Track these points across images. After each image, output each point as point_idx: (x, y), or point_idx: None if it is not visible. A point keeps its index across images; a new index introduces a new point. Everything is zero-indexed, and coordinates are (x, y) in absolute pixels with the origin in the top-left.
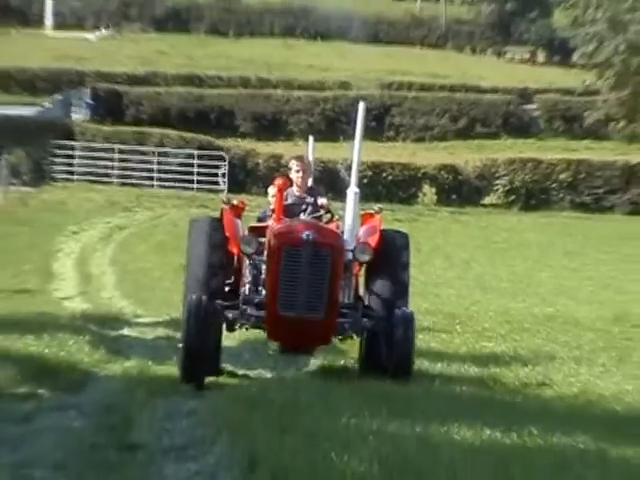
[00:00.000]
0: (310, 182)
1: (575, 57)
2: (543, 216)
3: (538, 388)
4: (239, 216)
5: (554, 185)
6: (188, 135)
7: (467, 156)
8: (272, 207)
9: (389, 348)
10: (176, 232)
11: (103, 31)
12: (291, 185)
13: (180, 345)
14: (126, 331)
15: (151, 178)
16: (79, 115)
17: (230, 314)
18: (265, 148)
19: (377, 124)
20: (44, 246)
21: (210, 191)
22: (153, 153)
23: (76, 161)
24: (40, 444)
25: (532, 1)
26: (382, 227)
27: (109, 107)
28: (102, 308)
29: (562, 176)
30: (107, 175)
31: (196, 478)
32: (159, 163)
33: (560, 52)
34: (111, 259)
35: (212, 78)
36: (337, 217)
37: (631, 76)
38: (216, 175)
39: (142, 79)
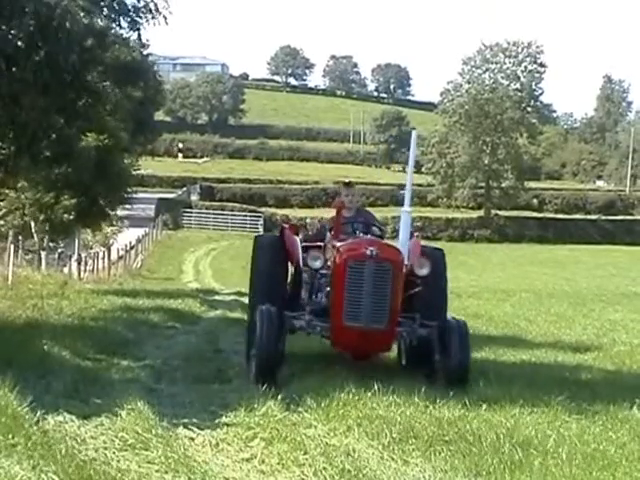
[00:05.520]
0: (358, 205)
1: (423, 169)
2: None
3: None
4: (296, 234)
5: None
6: (244, 206)
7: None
8: (325, 226)
9: (444, 355)
10: (239, 251)
11: (205, 159)
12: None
13: (254, 352)
14: (216, 297)
15: (227, 226)
16: (194, 197)
17: (297, 323)
18: (280, 211)
19: (332, 199)
20: (178, 257)
21: (254, 232)
22: (228, 214)
23: (193, 218)
24: (176, 348)
25: (403, 142)
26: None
27: (208, 194)
28: (205, 286)
29: (418, 223)
30: (207, 225)
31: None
32: (230, 219)
33: (416, 167)
34: (209, 264)
35: (255, 180)
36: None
37: (448, 178)
38: (257, 224)
39: (223, 180)
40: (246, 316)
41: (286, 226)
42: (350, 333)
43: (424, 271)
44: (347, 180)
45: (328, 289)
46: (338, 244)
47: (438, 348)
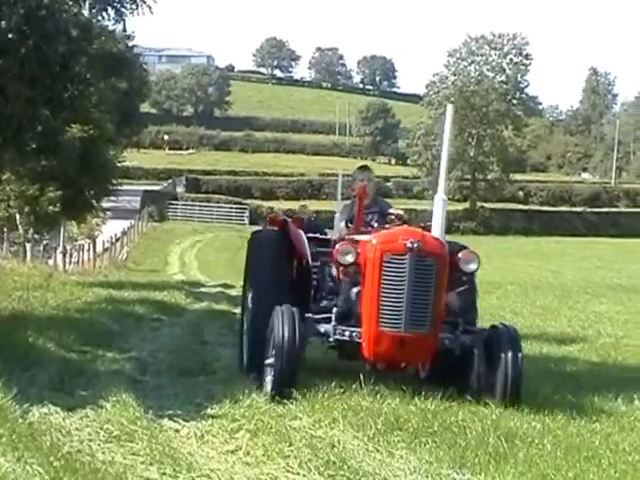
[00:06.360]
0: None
1: (409, 161)
2: None
3: None
4: (301, 227)
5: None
6: (230, 198)
7: None
8: (311, 218)
9: (491, 367)
10: (225, 243)
11: (190, 150)
12: (355, 196)
13: (270, 360)
14: (202, 289)
15: (213, 219)
16: (180, 189)
17: (322, 328)
18: (265, 204)
19: (318, 191)
20: (164, 249)
21: (239, 224)
22: (214, 206)
23: (178, 210)
24: (162, 340)
25: (389, 134)
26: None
27: (193, 186)
28: (191, 278)
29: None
30: (192, 217)
31: (234, 357)
32: (216, 211)
33: (402, 159)
34: (195, 255)
35: (240, 172)
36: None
37: (434, 170)
38: (242, 216)
39: (208, 172)
40: (232, 308)
41: (289, 219)
42: (386, 340)
43: (472, 266)
44: (362, 164)
45: (355, 290)
46: (367, 237)
47: (483, 359)
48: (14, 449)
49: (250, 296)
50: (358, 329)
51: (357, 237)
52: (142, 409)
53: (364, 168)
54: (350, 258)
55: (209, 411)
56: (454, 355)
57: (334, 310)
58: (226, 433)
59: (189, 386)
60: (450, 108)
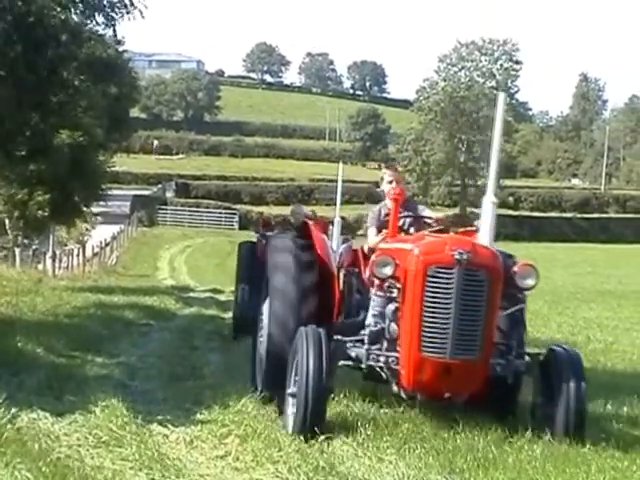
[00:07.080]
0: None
1: (398, 167)
2: None
3: None
4: (325, 232)
5: None
6: (219, 203)
7: (350, 212)
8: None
9: (549, 398)
10: (214, 248)
11: (180, 155)
12: (384, 198)
13: (292, 390)
14: (191, 294)
15: (202, 224)
16: (170, 194)
17: (353, 352)
18: (256, 209)
19: (308, 197)
20: (153, 254)
21: (229, 229)
22: (203, 211)
23: (168, 215)
24: (152, 345)
25: (379, 140)
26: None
27: (183, 190)
28: (180, 283)
29: None
30: (182, 222)
31: (224, 362)
32: (206, 216)
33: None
34: (184, 260)
35: (230, 177)
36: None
37: (424, 175)
38: (232, 221)
39: (198, 177)
40: (222, 314)
41: (311, 222)
42: (429, 368)
43: (530, 282)
44: (389, 163)
45: (391, 307)
46: (408, 245)
47: (540, 388)
48: (2, 455)
49: (266, 309)
50: (395, 354)
51: (395, 246)
52: (131, 414)
53: (392, 167)
54: (388, 271)
55: (198, 416)
56: (505, 382)
57: (366, 330)
58: (215, 438)
59: (178, 391)
60: (502, 96)
